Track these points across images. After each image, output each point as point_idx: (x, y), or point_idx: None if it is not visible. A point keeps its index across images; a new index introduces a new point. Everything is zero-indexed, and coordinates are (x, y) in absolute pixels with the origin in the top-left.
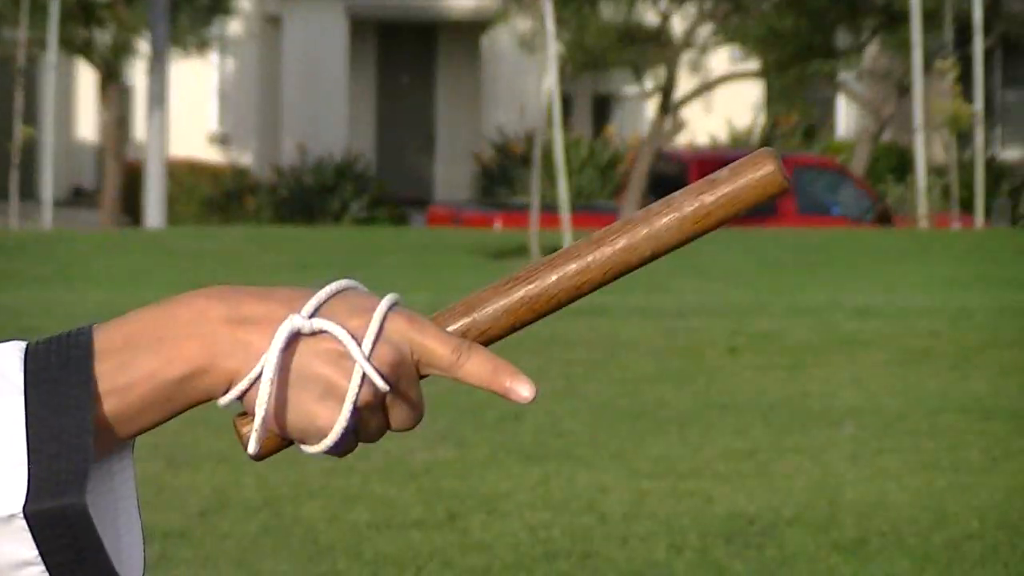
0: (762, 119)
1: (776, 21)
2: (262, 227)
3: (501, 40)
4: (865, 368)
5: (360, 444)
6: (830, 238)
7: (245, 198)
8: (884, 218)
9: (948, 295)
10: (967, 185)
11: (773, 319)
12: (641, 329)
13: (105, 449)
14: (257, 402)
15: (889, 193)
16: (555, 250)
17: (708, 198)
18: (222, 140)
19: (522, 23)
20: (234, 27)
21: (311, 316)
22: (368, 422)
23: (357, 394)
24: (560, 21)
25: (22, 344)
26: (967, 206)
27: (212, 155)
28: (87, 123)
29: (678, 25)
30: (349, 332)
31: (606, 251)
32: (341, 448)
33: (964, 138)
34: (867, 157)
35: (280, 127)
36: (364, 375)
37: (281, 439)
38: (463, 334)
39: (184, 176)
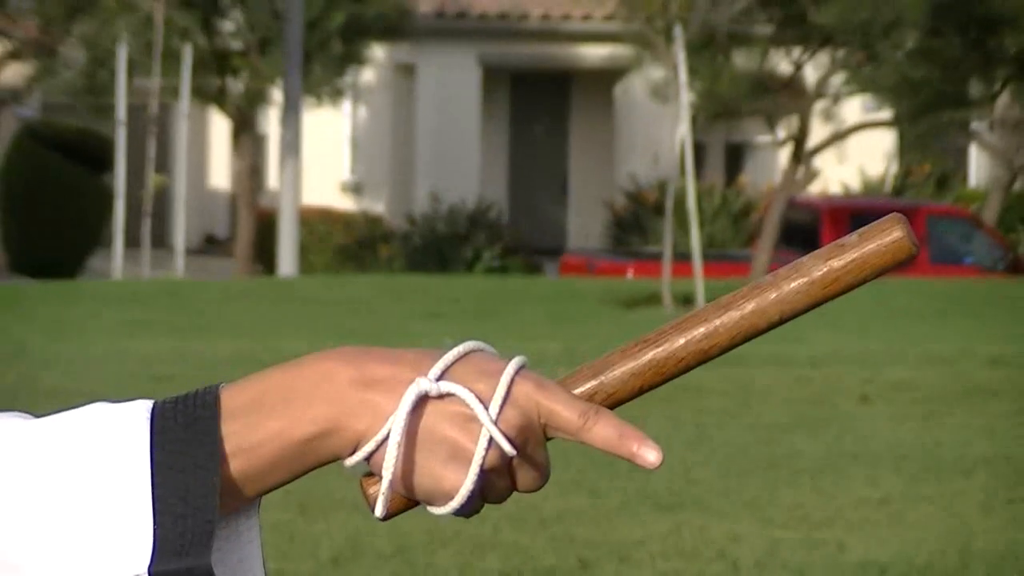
0: (895, 168)
1: (909, 70)
2: (394, 276)
3: (634, 89)
4: (997, 417)
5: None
6: (962, 287)
7: (378, 246)
8: (1016, 268)
9: None
10: None
11: (905, 368)
12: (774, 378)
13: (232, 508)
14: (384, 464)
15: (1021, 243)
16: (688, 299)
17: (837, 263)
18: (355, 188)
19: (655, 72)
20: (367, 76)
21: (438, 379)
22: (494, 484)
23: (484, 457)
24: (693, 70)
25: (149, 403)
26: None
27: (345, 203)
28: (220, 171)
29: (811, 74)
30: (476, 395)
31: (734, 315)
32: (468, 509)
33: None
34: (999, 207)
35: (413, 175)
36: (491, 439)
37: (407, 499)
38: (590, 397)
39: (317, 224)
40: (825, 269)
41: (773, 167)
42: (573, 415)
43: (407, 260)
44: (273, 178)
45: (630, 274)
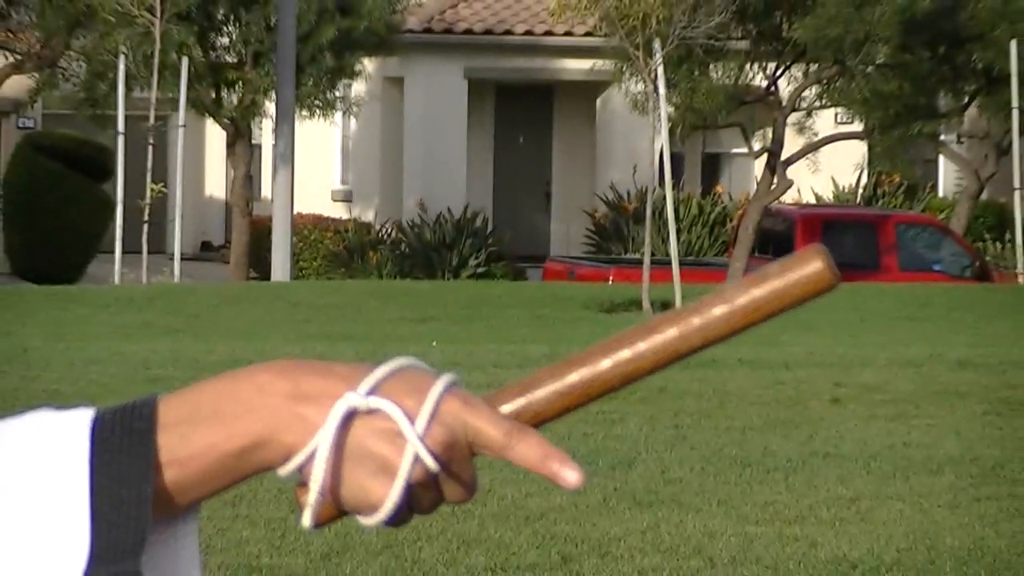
0: (866, 178)
1: (880, 84)
2: (384, 281)
3: (614, 101)
4: (964, 418)
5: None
6: (931, 293)
7: (368, 253)
8: (983, 275)
9: None
10: None
11: (876, 371)
12: (748, 380)
13: (168, 515)
14: (312, 477)
15: (988, 251)
16: (666, 304)
17: (758, 292)
18: (346, 197)
19: (635, 85)
20: (357, 88)
21: (369, 394)
22: (421, 498)
23: (409, 472)
24: (671, 84)
25: (91, 412)
26: None
27: (336, 211)
28: (215, 180)
29: (785, 88)
30: (404, 411)
31: (658, 339)
32: (395, 520)
33: None
34: (967, 216)
35: (401, 184)
36: (416, 455)
37: (338, 510)
38: (517, 415)
39: (309, 231)
40: (747, 298)
41: (748, 177)
42: (498, 434)
43: (396, 266)
44: (267, 187)
45: (611, 280)
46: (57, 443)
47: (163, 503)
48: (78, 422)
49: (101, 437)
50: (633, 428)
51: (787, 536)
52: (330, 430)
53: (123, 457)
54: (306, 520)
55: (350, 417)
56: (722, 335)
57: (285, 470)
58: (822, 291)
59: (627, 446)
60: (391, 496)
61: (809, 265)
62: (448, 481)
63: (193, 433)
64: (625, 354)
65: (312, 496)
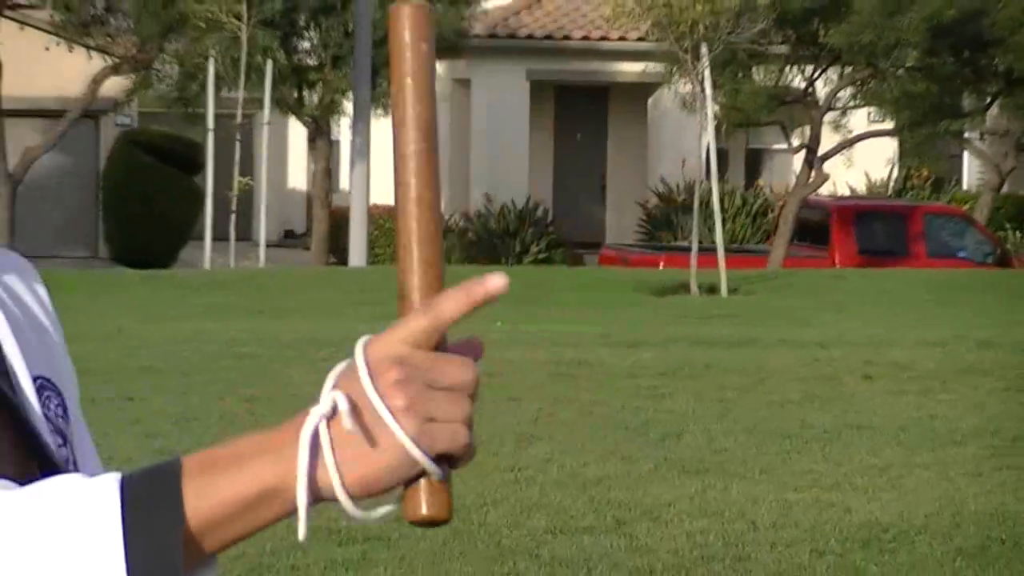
0: (896, 172)
1: (909, 86)
2: (452, 267)
3: (665, 101)
4: (986, 394)
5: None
6: (955, 278)
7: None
8: (1004, 261)
9: None
10: None
11: (904, 350)
12: (788, 359)
13: (193, 561)
14: (298, 500)
15: (1008, 239)
16: (712, 288)
17: None
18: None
19: (683, 86)
20: None
21: (321, 404)
22: (433, 409)
23: (387, 410)
24: (717, 85)
25: (117, 475)
26: None
27: None
28: (297, 173)
29: (822, 89)
30: (347, 395)
31: (404, 154)
32: (445, 447)
33: None
34: (989, 206)
35: (469, 178)
36: (380, 397)
37: (432, 483)
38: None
39: (383, 220)
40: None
41: (788, 171)
42: (421, 319)
43: (463, 253)
44: (344, 179)
45: (661, 265)
46: (88, 506)
47: (190, 550)
48: (106, 485)
49: (131, 493)
50: (681, 402)
51: (824, 502)
52: (302, 454)
53: (153, 510)
54: (300, 534)
55: (330, 422)
56: (422, 98)
57: (301, 528)
58: (420, 18)
59: (676, 419)
60: (399, 437)
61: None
62: (437, 378)
63: (215, 482)
64: (405, 203)
65: (300, 512)
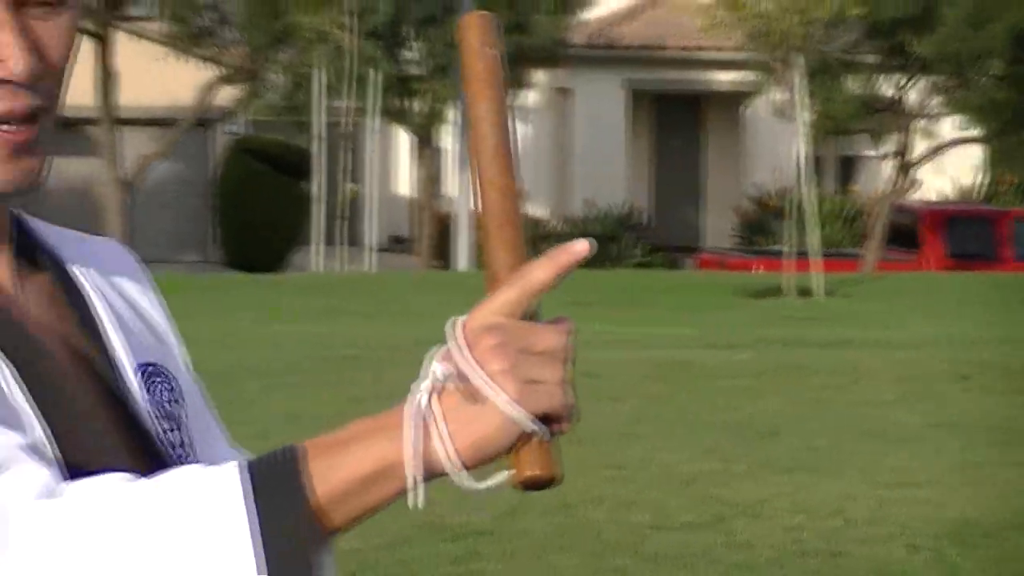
0: (984, 178)
1: (995, 93)
2: None
3: (759, 109)
4: None
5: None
6: None
7: (539, 245)
8: None
9: None
10: None
11: (994, 350)
12: (881, 359)
13: (316, 542)
14: (406, 469)
15: None
16: (806, 291)
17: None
18: (520, 194)
19: (777, 95)
20: (530, 98)
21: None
22: (532, 373)
23: (486, 375)
24: (810, 93)
25: (239, 463)
26: None
27: None
28: (404, 180)
29: (912, 97)
30: (446, 362)
31: (481, 144)
32: (546, 408)
33: None
34: None
35: (570, 184)
36: (477, 363)
37: (539, 444)
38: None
39: None
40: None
41: (879, 177)
42: (510, 290)
43: None
44: (449, 186)
45: (757, 269)
46: (214, 494)
47: (311, 533)
48: (229, 473)
49: (257, 476)
50: (776, 402)
51: (916, 499)
52: (407, 430)
53: (279, 491)
54: (410, 501)
55: (439, 397)
56: (496, 99)
57: (410, 496)
58: (487, 25)
59: (771, 418)
60: (502, 405)
61: (466, 23)
62: (533, 344)
63: (335, 462)
64: (487, 189)
65: (408, 481)
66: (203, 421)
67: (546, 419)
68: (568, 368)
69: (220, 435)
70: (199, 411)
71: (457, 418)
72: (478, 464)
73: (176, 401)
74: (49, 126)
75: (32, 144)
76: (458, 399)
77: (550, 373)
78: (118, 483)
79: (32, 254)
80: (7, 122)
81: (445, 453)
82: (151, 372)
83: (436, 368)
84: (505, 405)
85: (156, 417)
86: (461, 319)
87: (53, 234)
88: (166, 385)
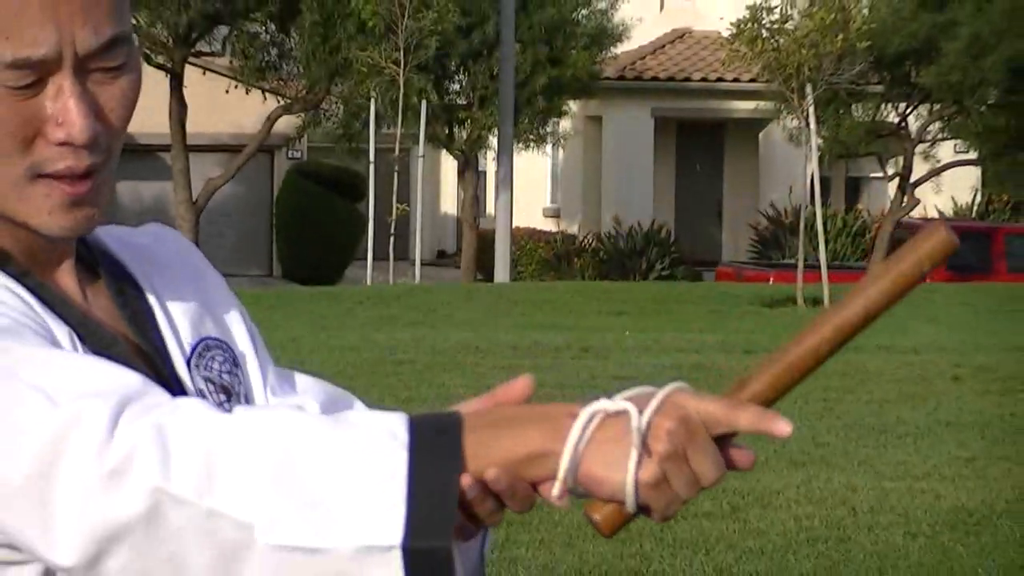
0: (979, 197)
1: (991, 120)
2: (586, 282)
3: (774, 134)
4: None
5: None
6: None
7: (573, 259)
8: None
9: None
10: None
11: (988, 354)
12: (884, 362)
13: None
14: (561, 463)
15: None
16: (816, 300)
17: (902, 265)
18: (555, 213)
19: (790, 122)
20: (564, 124)
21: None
22: (673, 475)
23: (638, 455)
24: (820, 120)
25: (404, 414)
26: None
27: (547, 225)
28: (448, 200)
29: (913, 123)
30: (639, 409)
31: (836, 321)
32: (655, 507)
33: None
34: None
35: (600, 203)
36: (643, 439)
37: (624, 512)
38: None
39: (525, 242)
40: (895, 272)
41: (883, 196)
42: (721, 409)
43: (596, 270)
44: (490, 205)
45: (771, 280)
46: (381, 426)
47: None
48: (398, 420)
49: (419, 432)
50: (788, 401)
51: (916, 489)
52: (577, 428)
53: (437, 449)
54: (554, 492)
55: (603, 419)
56: (883, 306)
57: (556, 487)
58: (948, 253)
59: (784, 415)
60: (628, 477)
61: (936, 234)
62: (696, 460)
63: (492, 439)
64: (813, 340)
65: (559, 476)
66: (282, 374)
67: (646, 507)
68: (698, 494)
69: (296, 378)
70: (279, 378)
71: (599, 447)
72: (578, 494)
73: (231, 372)
74: (105, 177)
75: (89, 196)
76: (615, 434)
77: (683, 487)
78: (286, 410)
79: (89, 258)
80: (67, 177)
81: (568, 463)
82: (209, 345)
83: (625, 405)
84: (630, 479)
85: (211, 392)
86: (683, 390)
87: (103, 233)
88: (223, 356)
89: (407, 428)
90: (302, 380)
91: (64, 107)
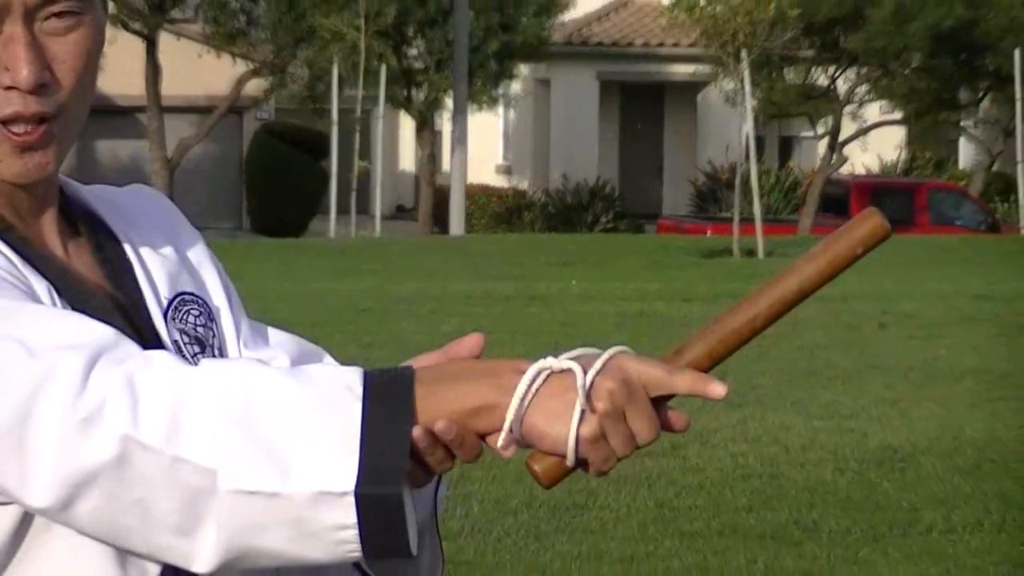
0: (904, 155)
1: (915, 83)
2: (535, 234)
3: (712, 96)
4: (982, 339)
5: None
6: (954, 243)
7: (523, 213)
8: (994, 228)
9: None
10: None
11: (913, 302)
12: (815, 310)
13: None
14: (507, 416)
15: (998, 210)
16: (751, 251)
17: (836, 246)
18: (506, 170)
19: (727, 85)
20: (515, 87)
21: (563, 359)
22: (611, 435)
23: (581, 411)
24: (755, 83)
25: (360, 369)
26: None
27: (499, 181)
28: (407, 158)
29: (842, 86)
30: (583, 368)
31: (771, 296)
32: (592, 461)
33: None
34: (982, 183)
35: (549, 160)
36: (587, 395)
37: (563, 465)
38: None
39: (478, 197)
40: (830, 253)
41: (814, 154)
42: (659, 372)
43: (544, 223)
44: (446, 162)
45: (709, 233)
46: (337, 380)
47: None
48: (353, 373)
49: (373, 384)
50: None
51: (844, 429)
52: (524, 383)
53: (389, 401)
54: (500, 443)
55: (549, 377)
56: (816, 284)
57: (501, 438)
58: (881, 240)
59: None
60: (570, 433)
61: (870, 220)
62: (633, 419)
63: (442, 392)
64: (747, 312)
65: (504, 428)
66: (256, 328)
67: (584, 462)
68: (633, 451)
69: (269, 333)
70: (253, 331)
71: (543, 402)
72: (520, 445)
73: (206, 325)
74: (60, 128)
75: (40, 143)
76: (559, 390)
77: (620, 445)
78: (250, 363)
79: (71, 215)
80: (15, 123)
81: (513, 415)
82: (185, 300)
83: (570, 364)
84: (571, 435)
85: (185, 344)
86: (625, 353)
87: (86, 192)
88: (198, 310)
89: (362, 381)
90: (275, 335)
91: (12, 54)
